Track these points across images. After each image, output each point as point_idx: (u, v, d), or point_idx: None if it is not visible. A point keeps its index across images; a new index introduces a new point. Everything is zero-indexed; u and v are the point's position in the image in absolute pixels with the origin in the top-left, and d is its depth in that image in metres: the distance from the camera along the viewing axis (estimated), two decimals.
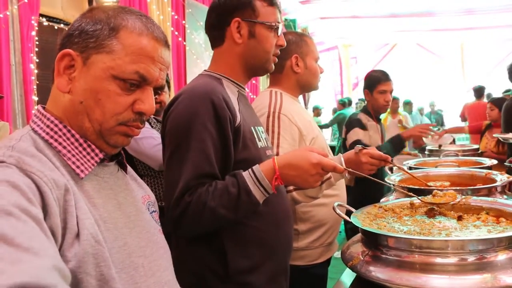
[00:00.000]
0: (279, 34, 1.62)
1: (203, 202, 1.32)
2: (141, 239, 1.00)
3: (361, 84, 12.61)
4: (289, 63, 2.13)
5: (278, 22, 1.60)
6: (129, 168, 1.12)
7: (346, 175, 1.84)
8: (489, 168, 2.52)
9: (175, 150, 1.41)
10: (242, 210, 1.34)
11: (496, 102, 4.59)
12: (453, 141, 5.20)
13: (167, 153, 1.44)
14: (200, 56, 5.56)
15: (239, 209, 1.34)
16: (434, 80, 13.16)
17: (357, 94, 12.97)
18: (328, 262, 2.22)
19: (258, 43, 1.57)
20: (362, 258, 1.23)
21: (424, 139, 5.04)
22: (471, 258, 1.09)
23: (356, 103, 10.48)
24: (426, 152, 3.56)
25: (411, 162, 2.78)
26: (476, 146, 3.50)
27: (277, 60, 1.68)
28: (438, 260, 1.11)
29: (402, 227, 1.33)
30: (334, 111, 11.41)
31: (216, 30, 1.60)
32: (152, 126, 2.82)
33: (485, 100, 7.70)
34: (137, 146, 2.59)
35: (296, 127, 1.98)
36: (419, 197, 1.56)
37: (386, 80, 3.26)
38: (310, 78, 2.17)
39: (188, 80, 5.07)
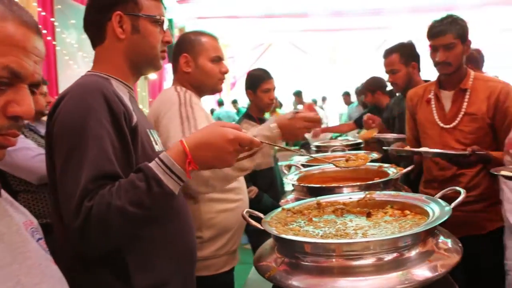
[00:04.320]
0: (164, 29, 1.50)
1: (107, 203, 1.11)
2: (34, 274, 0.82)
3: (239, 83, 12.86)
4: (179, 62, 2.03)
5: (163, 16, 1.48)
6: (2, 191, 0.91)
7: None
8: (377, 160, 2.63)
9: (69, 155, 1.20)
10: (155, 204, 1.16)
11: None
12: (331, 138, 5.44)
13: (60, 161, 1.22)
14: (72, 57, 5.14)
15: (152, 204, 1.15)
16: (307, 78, 13.76)
17: (235, 94, 13.12)
18: (233, 269, 2.14)
19: (143, 39, 1.44)
20: (279, 268, 1.15)
21: (306, 135, 5.22)
22: (388, 257, 1.08)
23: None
24: (313, 149, 3.64)
25: (302, 160, 2.80)
26: (359, 141, 3.66)
27: (165, 57, 1.56)
28: (357, 262, 1.07)
29: (317, 231, 1.28)
30: (212, 111, 11.47)
31: (96, 26, 1.43)
32: (25, 136, 2.51)
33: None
34: (10, 159, 2.29)
35: (206, 117, 1.92)
36: (334, 163, 1.72)
37: (269, 78, 3.25)
38: (203, 78, 2.06)
39: (61, 84, 4.65)
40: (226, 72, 2.12)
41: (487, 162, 2.00)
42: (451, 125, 2.24)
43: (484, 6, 6.61)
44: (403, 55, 2.94)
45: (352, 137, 5.00)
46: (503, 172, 1.57)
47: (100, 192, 1.13)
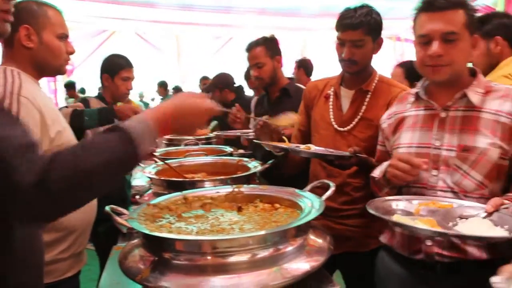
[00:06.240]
0: None
1: (73, 158, 0.94)
2: None
3: (78, 71, 11.98)
4: (18, 35, 1.72)
5: None
6: None
7: None
8: (231, 154, 2.63)
9: None
10: (125, 165, 1.03)
11: None
12: None
13: None
14: None
15: (121, 164, 1.01)
16: (151, 70, 13.45)
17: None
18: (79, 272, 1.93)
19: None
20: (150, 269, 1.05)
21: None
22: (266, 252, 1.05)
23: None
24: (165, 142, 3.51)
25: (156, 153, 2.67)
26: (211, 134, 3.63)
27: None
28: (237, 258, 1.03)
29: (190, 227, 1.20)
30: None
31: None
32: None
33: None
34: None
35: (38, 112, 1.61)
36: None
37: (129, 67, 3.03)
38: (48, 56, 1.78)
39: None
40: (72, 53, 1.87)
41: (367, 168, 1.76)
42: (346, 129, 1.99)
43: (324, 16, 7.14)
44: (268, 48, 2.80)
45: None
46: (396, 218, 1.28)
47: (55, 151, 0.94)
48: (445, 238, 1.41)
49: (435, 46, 1.42)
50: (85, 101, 2.97)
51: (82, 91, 11.81)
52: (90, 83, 11.87)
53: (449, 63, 1.43)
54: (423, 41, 1.46)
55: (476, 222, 1.25)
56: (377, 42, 1.96)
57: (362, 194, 1.92)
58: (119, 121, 2.98)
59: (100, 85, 3.21)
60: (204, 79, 7.84)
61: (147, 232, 1.08)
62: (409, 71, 3.04)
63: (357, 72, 1.97)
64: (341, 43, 1.93)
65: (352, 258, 1.98)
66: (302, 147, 1.84)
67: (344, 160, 1.72)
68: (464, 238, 1.31)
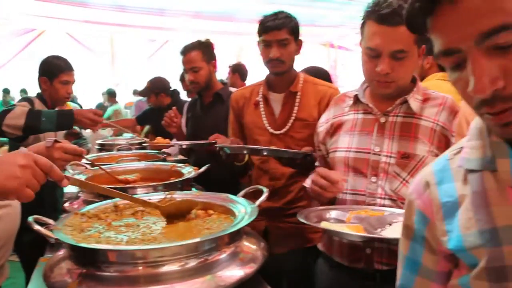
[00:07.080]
0: None
1: None
2: None
3: (2, 70, 11.34)
4: None
5: None
6: None
7: None
8: (164, 160, 2.59)
9: None
10: None
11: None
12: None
13: None
14: None
15: None
16: (84, 71, 13.02)
17: None
18: None
19: None
20: (77, 282, 1.00)
21: (84, 131, 4.85)
22: (200, 260, 1.04)
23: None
24: (96, 147, 3.39)
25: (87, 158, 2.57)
26: (145, 139, 3.55)
27: None
28: (169, 268, 1.00)
29: (120, 236, 1.16)
30: None
31: None
32: None
33: None
34: None
35: None
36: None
37: (69, 70, 2.87)
38: None
39: None
40: None
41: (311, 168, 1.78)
42: (282, 131, 2.05)
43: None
44: (204, 53, 2.78)
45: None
46: (323, 225, 1.31)
47: None
48: (378, 244, 1.43)
49: (383, 64, 1.39)
50: (30, 100, 2.77)
51: (6, 91, 11.18)
52: (15, 84, 11.29)
53: (396, 79, 1.42)
54: (371, 54, 1.41)
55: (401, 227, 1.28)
56: (298, 44, 2.07)
57: (305, 193, 1.90)
58: (78, 126, 2.84)
59: (24, 87, 3.05)
60: None
61: (73, 243, 1.03)
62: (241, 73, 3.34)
63: (283, 72, 2.05)
64: (266, 45, 2.01)
65: (298, 253, 2.05)
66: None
67: (305, 158, 1.70)
68: (384, 241, 1.33)
